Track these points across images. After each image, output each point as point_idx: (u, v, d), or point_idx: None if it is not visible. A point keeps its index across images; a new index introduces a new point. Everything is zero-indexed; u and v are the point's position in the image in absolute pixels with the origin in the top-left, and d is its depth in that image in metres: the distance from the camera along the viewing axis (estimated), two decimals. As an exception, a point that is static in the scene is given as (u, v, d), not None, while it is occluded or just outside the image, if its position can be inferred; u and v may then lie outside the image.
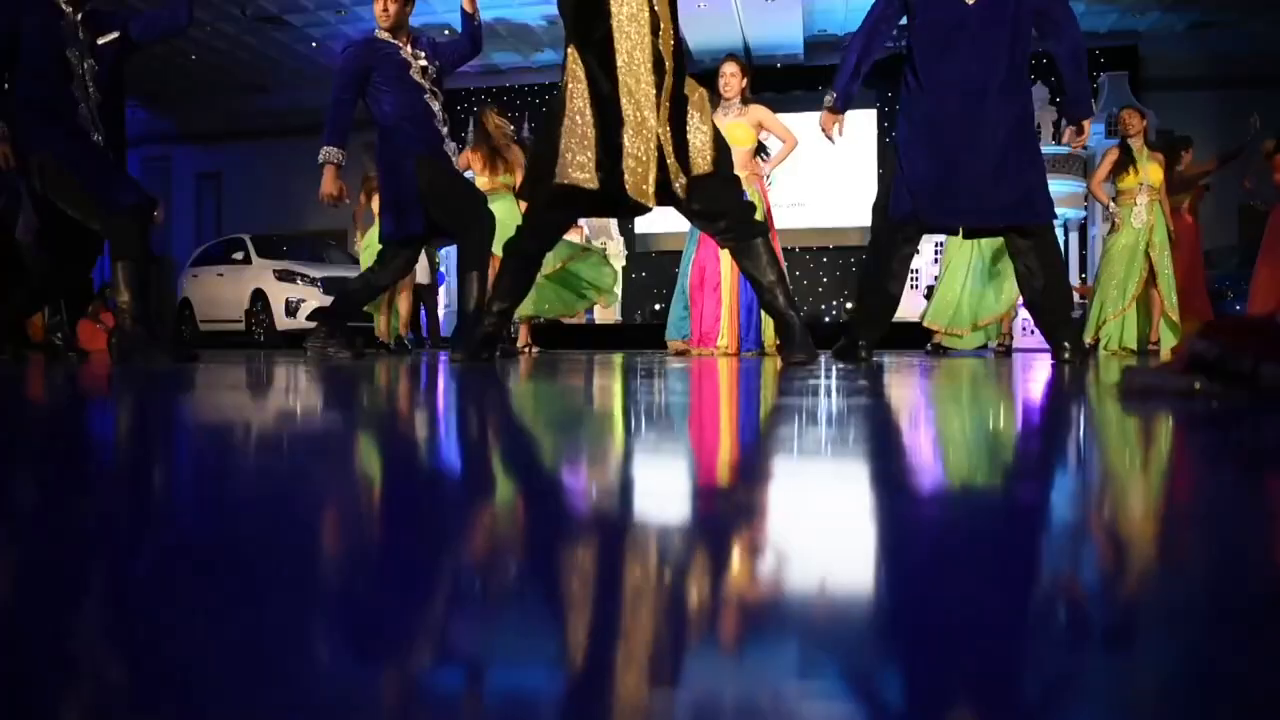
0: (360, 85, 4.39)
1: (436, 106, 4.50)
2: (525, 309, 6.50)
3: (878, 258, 3.98)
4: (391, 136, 4.40)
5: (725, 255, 5.88)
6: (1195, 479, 0.85)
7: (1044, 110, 11.64)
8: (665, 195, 3.41)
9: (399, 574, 0.45)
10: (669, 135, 3.34)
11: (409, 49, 4.46)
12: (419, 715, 0.28)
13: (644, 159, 3.32)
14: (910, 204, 3.78)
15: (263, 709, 0.28)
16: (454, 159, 4.59)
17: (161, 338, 4.40)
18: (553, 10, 12.94)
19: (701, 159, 3.40)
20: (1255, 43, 11.89)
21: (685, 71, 3.43)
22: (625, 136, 3.31)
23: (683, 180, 3.36)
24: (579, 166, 3.35)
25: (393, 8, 4.38)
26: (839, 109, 3.90)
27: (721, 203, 3.47)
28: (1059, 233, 11.88)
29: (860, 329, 3.97)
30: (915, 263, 11.20)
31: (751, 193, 6.70)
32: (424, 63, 4.47)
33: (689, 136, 3.40)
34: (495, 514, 0.66)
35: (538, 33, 12.66)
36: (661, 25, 3.34)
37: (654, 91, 3.31)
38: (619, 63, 3.32)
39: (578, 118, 3.36)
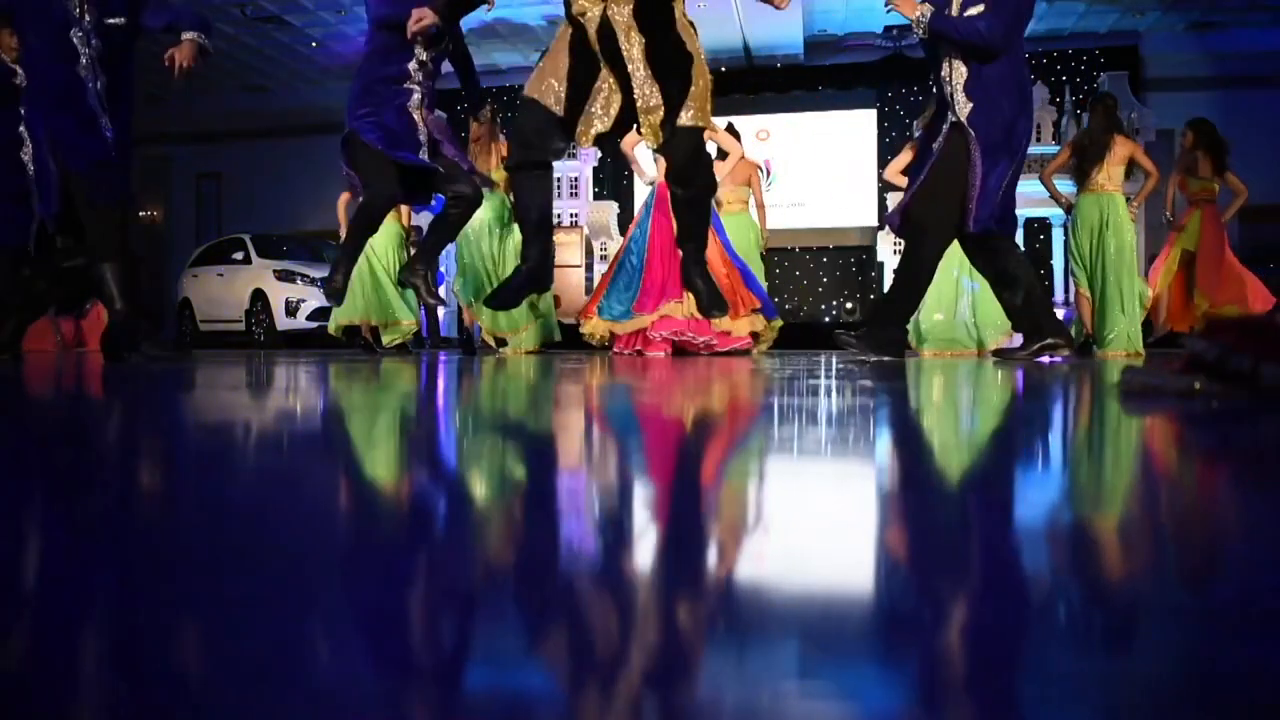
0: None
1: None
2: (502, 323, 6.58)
3: (930, 260, 3.95)
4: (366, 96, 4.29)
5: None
6: (1195, 479, 0.85)
7: (1043, 110, 11.63)
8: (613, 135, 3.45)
9: (397, 575, 0.45)
10: (645, 80, 3.33)
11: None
12: (418, 716, 0.28)
13: (602, 110, 3.38)
14: (991, 211, 3.78)
15: (265, 711, 0.28)
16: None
17: (153, 335, 4.37)
18: (553, 10, 12.93)
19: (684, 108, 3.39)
20: (1255, 43, 11.89)
21: (667, 30, 3.37)
22: (596, 88, 3.36)
23: (654, 121, 3.35)
24: (549, 88, 3.39)
25: None
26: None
27: (679, 151, 3.45)
28: (1057, 232, 11.85)
29: (898, 323, 3.97)
30: (897, 263, 11.18)
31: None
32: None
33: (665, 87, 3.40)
34: (494, 514, 0.66)
35: (538, 33, 12.66)
36: None
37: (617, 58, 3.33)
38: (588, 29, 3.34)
39: (559, 56, 3.41)
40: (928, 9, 3.72)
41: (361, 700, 0.29)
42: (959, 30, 3.69)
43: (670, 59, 3.36)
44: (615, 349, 6.09)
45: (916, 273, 4.01)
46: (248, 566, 0.47)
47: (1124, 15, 11.90)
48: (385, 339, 7.10)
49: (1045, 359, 3.92)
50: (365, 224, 4.45)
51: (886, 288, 6.27)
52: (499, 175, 6.61)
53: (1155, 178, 6.33)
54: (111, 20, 3.98)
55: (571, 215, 12.58)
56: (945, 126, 3.86)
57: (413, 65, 4.23)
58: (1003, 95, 3.74)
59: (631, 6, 3.33)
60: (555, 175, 12.83)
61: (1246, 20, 11.59)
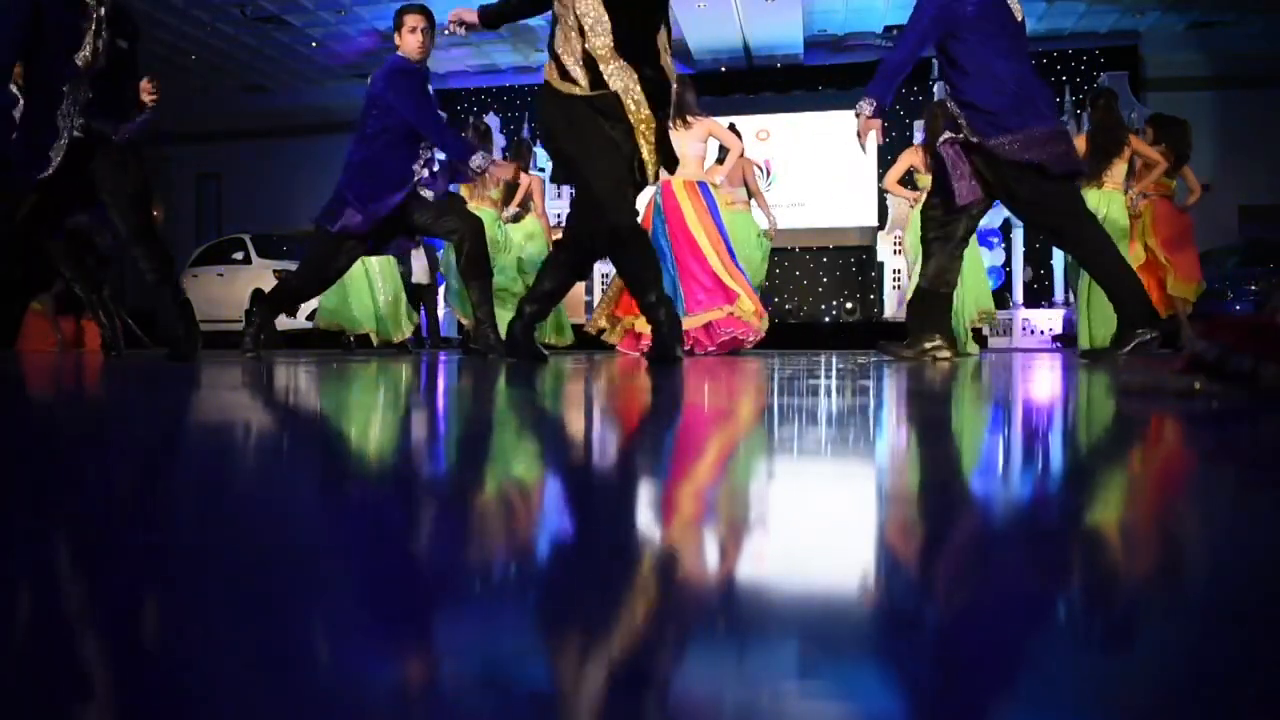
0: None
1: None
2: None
3: (1093, 227, 3.94)
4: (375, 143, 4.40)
5: (690, 212, 5.88)
6: (1194, 479, 0.85)
7: (1043, 110, 11.62)
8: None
9: (382, 567, 0.45)
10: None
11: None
12: (417, 715, 0.28)
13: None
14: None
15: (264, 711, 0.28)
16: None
17: None
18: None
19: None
20: (1255, 43, 11.89)
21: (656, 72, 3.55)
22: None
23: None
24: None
25: (429, 43, 4.41)
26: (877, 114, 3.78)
27: None
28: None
29: (1136, 298, 3.87)
30: (897, 263, 11.18)
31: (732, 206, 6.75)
32: None
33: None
34: (494, 512, 0.66)
35: (538, 33, 12.66)
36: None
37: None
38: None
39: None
40: (865, 101, 3.74)
41: (364, 700, 0.29)
42: (891, 65, 3.78)
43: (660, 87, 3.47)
44: (622, 349, 6.06)
45: (1096, 251, 3.90)
46: (248, 564, 0.47)
47: (1124, 15, 11.89)
48: (375, 338, 7.25)
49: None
50: (277, 306, 4.53)
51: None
52: (498, 194, 6.69)
53: (1163, 164, 6.35)
54: (121, 42, 4.07)
55: (570, 215, 12.61)
56: (960, 148, 3.87)
57: (417, 165, 4.32)
58: (994, 98, 3.74)
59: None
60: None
61: (1246, 20, 11.58)
